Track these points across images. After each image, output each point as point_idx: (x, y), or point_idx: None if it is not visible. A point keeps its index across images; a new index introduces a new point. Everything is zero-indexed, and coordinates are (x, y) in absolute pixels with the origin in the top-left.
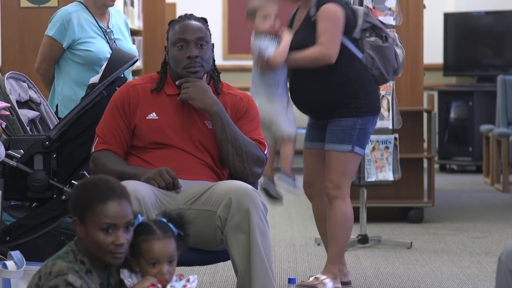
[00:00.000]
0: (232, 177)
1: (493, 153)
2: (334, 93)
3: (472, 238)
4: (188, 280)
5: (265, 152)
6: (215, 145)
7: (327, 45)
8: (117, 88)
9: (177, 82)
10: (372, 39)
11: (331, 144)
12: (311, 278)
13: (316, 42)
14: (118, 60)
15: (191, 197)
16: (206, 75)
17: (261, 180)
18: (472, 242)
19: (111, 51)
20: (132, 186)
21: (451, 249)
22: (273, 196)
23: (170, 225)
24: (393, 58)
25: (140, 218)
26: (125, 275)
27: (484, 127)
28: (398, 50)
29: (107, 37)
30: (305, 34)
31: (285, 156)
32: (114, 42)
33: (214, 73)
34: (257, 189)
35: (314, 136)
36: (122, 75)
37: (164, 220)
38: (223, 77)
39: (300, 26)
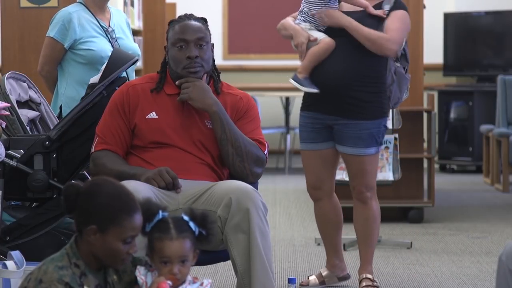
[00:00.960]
0: (232, 177)
1: (493, 153)
2: (365, 88)
3: (472, 238)
4: (202, 284)
5: (265, 152)
6: (215, 145)
7: (395, 40)
8: (117, 88)
9: (177, 82)
10: (398, 64)
11: (358, 148)
12: (363, 283)
13: (379, 29)
14: (118, 60)
15: (191, 197)
16: (206, 75)
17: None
18: (472, 242)
19: None
20: (132, 186)
21: (451, 249)
22: (303, 85)
23: (191, 223)
24: (403, 90)
25: (161, 214)
26: (140, 272)
27: (484, 127)
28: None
29: (109, 36)
30: (373, 20)
31: (307, 57)
32: (116, 41)
33: (214, 73)
34: (257, 189)
35: (318, 137)
36: (125, 75)
37: (186, 218)
38: (223, 77)
39: (364, 10)
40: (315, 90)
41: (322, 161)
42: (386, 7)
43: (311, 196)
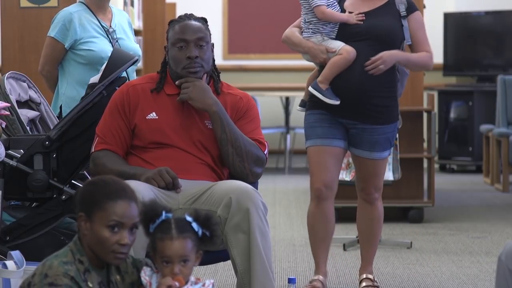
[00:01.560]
0: (232, 177)
1: (493, 153)
2: (383, 93)
3: (472, 238)
4: (204, 285)
5: (265, 152)
6: (215, 145)
7: (432, 51)
8: (117, 88)
9: (177, 82)
10: None
11: (375, 152)
12: (363, 283)
13: (398, 28)
14: (118, 60)
15: (191, 197)
16: (206, 75)
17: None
18: (472, 242)
19: None
20: (132, 186)
21: (451, 249)
22: (325, 95)
23: (194, 224)
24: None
25: (164, 215)
26: (146, 273)
27: (484, 127)
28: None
29: (110, 37)
30: (389, 19)
31: (329, 67)
32: (117, 41)
33: (214, 73)
34: (257, 189)
35: (336, 134)
36: (125, 75)
37: (190, 219)
38: (223, 77)
39: (375, 10)
40: (336, 102)
41: (335, 159)
42: (402, 7)
43: (320, 196)
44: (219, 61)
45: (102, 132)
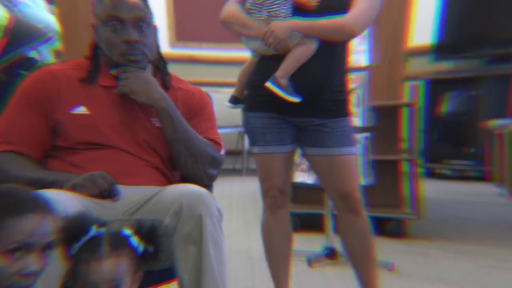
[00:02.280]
0: (184, 180)
1: (506, 156)
2: (339, 87)
3: (484, 266)
4: None
5: (221, 153)
6: (164, 145)
7: (355, 19)
8: (22, 72)
9: (112, 72)
10: None
11: (345, 147)
12: None
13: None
14: (19, 33)
15: (133, 205)
16: (150, 65)
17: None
18: (482, 271)
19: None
20: (49, 196)
21: (452, 278)
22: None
23: (132, 240)
24: None
25: (92, 232)
26: None
27: (494, 123)
28: None
29: (5, 1)
30: None
31: (292, 59)
32: (17, 7)
33: (160, 63)
34: (211, 192)
35: (287, 138)
36: (34, 55)
37: (126, 233)
38: (170, 69)
39: None
40: (298, 100)
41: (286, 164)
42: None
43: (275, 203)
44: (164, 48)
45: (5, 129)
